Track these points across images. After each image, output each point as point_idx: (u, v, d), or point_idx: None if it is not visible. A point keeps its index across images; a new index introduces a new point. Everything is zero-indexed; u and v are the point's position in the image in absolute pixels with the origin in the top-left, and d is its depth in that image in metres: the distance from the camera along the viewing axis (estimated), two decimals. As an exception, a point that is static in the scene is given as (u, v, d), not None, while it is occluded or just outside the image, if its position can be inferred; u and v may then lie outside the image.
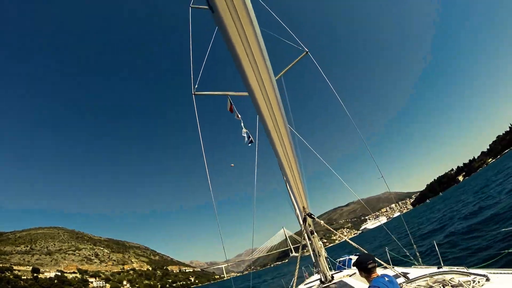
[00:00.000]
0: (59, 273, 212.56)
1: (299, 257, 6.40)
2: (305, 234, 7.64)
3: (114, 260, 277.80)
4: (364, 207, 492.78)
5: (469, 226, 19.40)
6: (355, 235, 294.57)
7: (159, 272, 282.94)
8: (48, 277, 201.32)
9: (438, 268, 5.40)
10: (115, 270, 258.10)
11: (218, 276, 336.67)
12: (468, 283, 3.85)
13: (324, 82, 10.56)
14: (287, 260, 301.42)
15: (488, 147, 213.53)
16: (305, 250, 7.83)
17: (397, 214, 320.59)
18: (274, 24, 11.28)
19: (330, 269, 9.23)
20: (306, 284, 10.15)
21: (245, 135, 9.77)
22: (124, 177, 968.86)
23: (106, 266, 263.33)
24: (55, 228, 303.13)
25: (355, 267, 3.73)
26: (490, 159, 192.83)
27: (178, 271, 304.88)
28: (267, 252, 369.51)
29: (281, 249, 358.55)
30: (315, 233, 8.13)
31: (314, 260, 9.37)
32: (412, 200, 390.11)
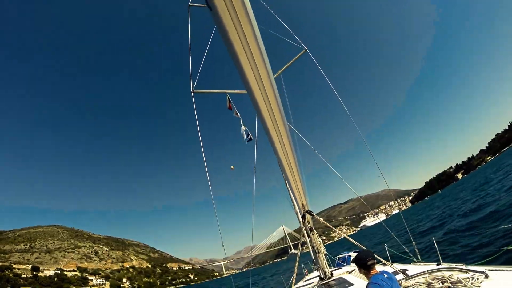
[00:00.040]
0: (59, 271, 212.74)
1: (298, 254, 6.41)
2: (305, 231, 7.66)
3: (114, 258, 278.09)
4: (362, 204, 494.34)
5: (468, 223, 19.39)
6: (354, 232, 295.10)
7: (158, 269, 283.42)
8: (47, 275, 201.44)
9: (437, 265, 5.42)
10: (115, 268, 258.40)
11: (217, 273, 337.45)
12: (467, 280, 3.87)
13: (323, 79, 10.55)
14: (286, 257, 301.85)
15: (487, 145, 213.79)
16: (304, 247, 7.84)
17: (396, 211, 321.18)
18: (273, 22, 11.28)
19: (330, 266, 9.26)
20: (306, 280, 10.17)
21: (244, 133, 9.77)
22: (123, 175, 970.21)
23: (105, 264, 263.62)
24: (54, 226, 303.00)
25: (354, 264, 3.74)
26: (489, 157, 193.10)
27: (177, 268, 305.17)
28: (266, 249, 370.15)
29: (280, 246, 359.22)
30: (314, 230, 8.15)
31: (313, 257, 9.40)
32: (410, 198, 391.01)
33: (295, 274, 6.29)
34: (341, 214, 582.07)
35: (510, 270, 4.03)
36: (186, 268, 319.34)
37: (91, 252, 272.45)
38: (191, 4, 10.07)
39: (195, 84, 9.27)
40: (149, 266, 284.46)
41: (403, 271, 5.39)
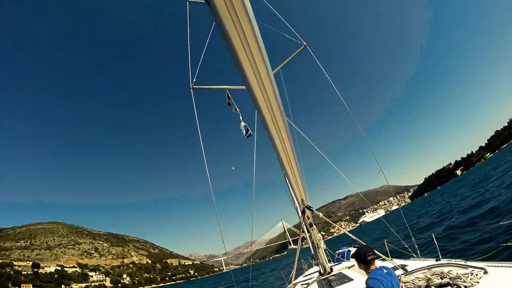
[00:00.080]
0: (59, 268, 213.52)
1: (298, 249, 6.43)
2: (304, 227, 7.67)
3: (114, 254, 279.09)
4: (362, 200, 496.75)
5: (468, 219, 19.44)
6: (353, 228, 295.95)
7: (158, 265, 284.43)
8: (48, 272, 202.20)
9: (437, 260, 5.43)
10: (115, 264, 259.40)
11: (217, 269, 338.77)
12: (466, 275, 3.87)
13: (322, 75, 10.54)
14: (285, 253, 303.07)
15: (486, 142, 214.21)
16: (303, 243, 7.86)
17: (395, 207, 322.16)
18: (272, 18, 11.26)
19: (329, 261, 9.29)
20: (306, 276, 10.21)
21: (244, 128, 9.76)
22: (123, 171, 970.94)
23: (105, 260, 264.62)
24: (54, 223, 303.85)
25: (354, 259, 3.74)
26: (488, 154, 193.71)
27: (177, 264, 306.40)
28: (266, 245, 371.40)
29: (280, 242, 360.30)
30: (314, 226, 8.17)
31: (313, 252, 9.42)
32: (410, 194, 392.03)
33: (295, 269, 6.31)
34: (340, 209, 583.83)
35: (509, 266, 4.04)
36: (186, 263, 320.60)
37: (91, 248, 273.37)
38: (190, 0, 10.03)
39: (194, 80, 9.24)
40: (149, 262, 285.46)
41: (403, 267, 5.40)
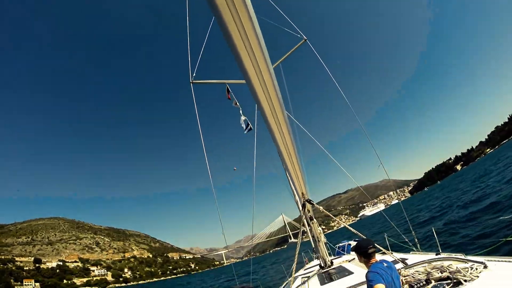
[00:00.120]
0: (61, 263, 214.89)
1: (298, 242, 6.45)
2: (305, 220, 7.69)
3: (115, 248, 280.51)
4: (362, 194, 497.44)
5: (468, 214, 19.46)
6: (354, 221, 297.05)
7: (159, 259, 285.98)
8: (50, 267, 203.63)
9: (436, 254, 5.45)
10: (116, 258, 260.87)
11: (218, 262, 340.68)
12: (466, 269, 3.88)
13: (322, 69, 10.54)
14: (286, 246, 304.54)
15: (487, 137, 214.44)
16: (304, 236, 7.89)
17: (395, 201, 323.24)
18: (272, 12, 11.19)
19: (330, 255, 9.33)
20: (306, 269, 10.26)
21: (244, 123, 9.76)
22: (123, 165, 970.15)
23: (107, 254, 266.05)
24: (55, 218, 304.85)
25: (354, 252, 3.75)
26: (488, 149, 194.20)
27: (178, 258, 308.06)
28: (266, 238, 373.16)
29: (280, 235, 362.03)
30: (315, 219, 8.19)
31: (313, 246, 9.46)
32: (410, 188, 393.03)
33: (295, 262, 6.33)
34: (341, 203, 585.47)
35: (509, 261, 4.04)
36: (187, 257, 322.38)
37: (93, 243, 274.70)
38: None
39: (194, 74, 9.22)
40: (150, 256, 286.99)
41: (403, 260, 5.42)
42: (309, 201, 6.79)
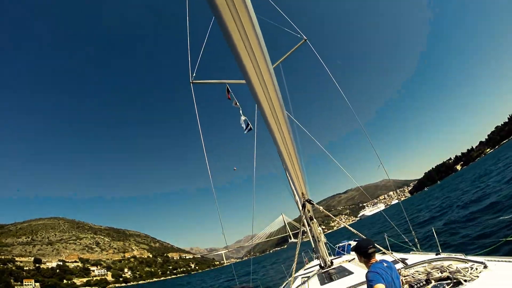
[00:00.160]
0: (61, 263, 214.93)
1: (298, 242, 6.46)
2: (305, 220, 7.69)
3: (115, 248, 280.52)
4: (362, 194, 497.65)
5: (468, 214, 19.44)
6: (353, 221, 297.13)
7: (159, 259, 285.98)
8: (50, 267, 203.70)
9: (436, 254, 5.45)
10: (116, 258, 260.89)
11: (218, 262, 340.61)
12: (466, 269, 3.88)
13: (323, 69, 10.54)
14: (286, 246, 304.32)
15: (487, 137, 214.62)
16: (304, 236, 7.90)
17: (395, 201, 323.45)
18: (272, 12, 11.19)
19: (330, 255, 9.34)
20: (306, 269, 10.27)
21: (244, 123, 9.77)
22: (123, 166, 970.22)
23: (107, 254, 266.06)
24: (55, 218, 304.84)
25: (354, 252, 3.75)
26: (488, 149, 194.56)
27: (178, 257, 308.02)
28: (266, 238, 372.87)
29: (280, 236, 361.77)
30: (315, 219, 8.20)
31: (313, 246, 9.47)
32: (410, 188, 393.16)
33: (295, 262, 6.34)
34: (340, 203, 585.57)
35: (509, 261, 4.04)
36: (187, 257, 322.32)
37: (93, 243, 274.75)
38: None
39: (194, 74, 9.22)
40: (150, 256, 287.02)
41: (403, 260, 5.43)
42: (309, 201, 6.80)
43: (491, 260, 4.17)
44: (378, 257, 3.60)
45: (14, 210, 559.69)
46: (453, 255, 4.98)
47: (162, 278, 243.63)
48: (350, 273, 6.45)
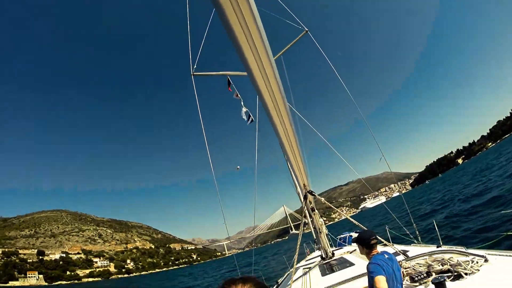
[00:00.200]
0: (64, 255, 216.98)
1: (300, 234, 6.49)
2: (306, 211, 7.72)
3: (117, 240, 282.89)
4: (363, 186, 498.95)
5: (469, 208, 19.46)
6: (354, 213, 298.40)
7: (161, 250, 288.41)
8: (53, 259, 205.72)
9: (437, 247, 5.46)
10: (119, 250, 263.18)
11: (219, 253, 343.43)
12: (467, 263, 3.89)
13: (324, 61, 10.49)
14: (287, 237, 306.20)
15: (488, 131, 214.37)
16: (305, 228, 7.94)
17: (396, 194, 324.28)
18: (273, 3, 11.09)
19: (331, 246, 9.38)
20: (308, 260, 10.34)
21: (245, 114, 9.75)
22: (124, 157, 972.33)
23: (109, 245, 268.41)
24: (58, 211, 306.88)
25: (356, 243, 3.76)
26: (490, 143, 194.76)
27: (180, 248, 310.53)
28: (267, 230, 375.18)
29: (282, 227, 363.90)
30: (316, 211, 8.23)
31: (315, 237, 9.52)
32: (411, 181, 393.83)
33: (297, 253, 6.37)
34: (342, 195, 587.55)
35: (510, 255, 4.05)
36: (189, 248, 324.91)
37: (95, 234, 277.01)
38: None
39: (195, 66, 9.17)
40: (153, 247, 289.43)
41: (404, 252, 5.45)
42: (311, 192, 6.82)
43: (492, 254, 4.18)
44: (379, 248, 3.61)
45: (17, 203, 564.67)
46: (454, 248, 5.00)
47: (164, 269, 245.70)
48: (351, 264, 6.48)
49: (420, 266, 4.45)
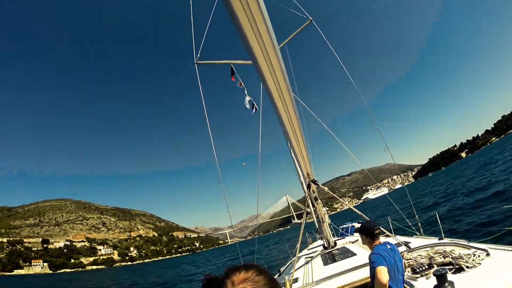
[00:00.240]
0: (68, 243, 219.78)
1: (303, 223, 6.51)
2: (309, 201, 7.73)
3: (121, 228, 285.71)
4: (365, 177, 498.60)
5: (472, 201, 19.38)
6: (357, 204, 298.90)
7: (165, 238, 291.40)
8: (57, 247, 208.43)
9: (439, 239, 5.46)
10: (122, 237, 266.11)
11: (222, 241, 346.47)
12: (469, 256, 3.88)
13: (328, 50, 10.40)
14: (289, 227, 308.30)
15: (493, 126, 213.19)
16: (307, 217, 7.97)
17: (398, 185, 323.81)
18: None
19: (333, 236, 9.42)
20: (310, 249, 10.39)
21: (248, 103, 9.72)
22: (128, 145, 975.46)
23: (113, 233, 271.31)
24: (62, 199, 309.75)
25: (359, 233, 3.77)
26: (494, 138, 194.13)
27: (183, 236, 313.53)
28: (270, 219, 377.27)
29: (284, 216, 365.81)
30: (319, 200, 8.25)
31: (317, 226, 9.55)
32: (414, 173, 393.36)
33: (299, 242, 6.39)
34: (344, 186, 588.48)
35: (511, 250, 4.04)
36: (192, 236, 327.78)
37: (99, 223, 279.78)
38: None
39: (199, 55, 9.10)
40: (156, 235, 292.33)
41: (406, 244, 5.46)
42: (314, 181, 6.82)
43: (494, 249, 4.17)
44: (381, 239, 3.62)
45: (21, 193, 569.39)
46: (456, 241, 4.99)
47: (167, 257, 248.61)
48: (353, 254, 6.51)
49: (422, 258, 4.45)
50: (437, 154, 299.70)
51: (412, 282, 3.83)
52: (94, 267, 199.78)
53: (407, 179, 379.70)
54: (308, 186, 6.88)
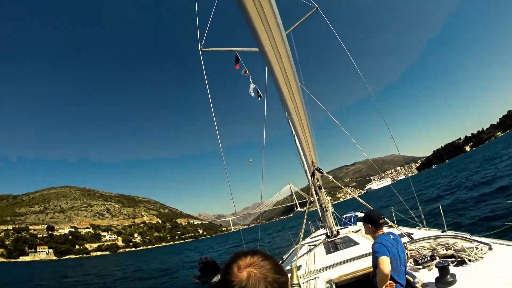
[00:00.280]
0: (73, 229, 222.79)
1: (306, 211, 6.52)
2: (313, 189, 7.73)
3: (125, 215, 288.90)
4: (369, 167, 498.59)
5: (476, 195, 19.30)
6: (360, 194, 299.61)
7: (168, 224, 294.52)
8: (62, 233, 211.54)
9: (442, 232, 5.45)
10: (126, 224, 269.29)
11: (225, 228, 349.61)
12: (471, 249, 3.86)
13: (334, 39, 10.26)
14: (292, 215, 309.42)
15: (498, 121, 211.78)
16: (310, 206, 7.97)
17: (402, 177, 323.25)
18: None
19: (336, 225, 9.44)
20: (313, 238, 10.43)
21: (253, 91, 9.67)
22: (133, 132, 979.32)
23: (117, 220, 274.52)
24: (66, 187, 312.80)
25: (362, 222, 3.77)
26: (499, 133, 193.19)
27: (186, 223, 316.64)
28: (273, 207, 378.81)
29: (287, 204, 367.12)
30: (323, 188, 8.25)
31: (320, 215, 9.57)
32: (417, 165, 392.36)
33: (302, 230, 6.41)
34: (347, 175, 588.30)
35: None
36: (195, 223, 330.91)
37: (103, 209, 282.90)
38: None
39: (203, 42, 9.02)
40: (159, 221, 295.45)
41: (409, 235, 5.46)
42: (319, 170, 6.81)
43: (496, 243, 4.15)
44: (385, 229, 3.62)
45: (27, 181, 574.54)
46: (459, 233, 4.97)
47: (170, 243, 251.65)
48: (356, 243, 6.53)
49: (424, 249, 4.44)
50: (441, 146, 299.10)
51: (414, 273, 3.83)
52: (99, 253, 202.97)
53: (411, 171, 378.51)
54: (313, 174, 6.87)
